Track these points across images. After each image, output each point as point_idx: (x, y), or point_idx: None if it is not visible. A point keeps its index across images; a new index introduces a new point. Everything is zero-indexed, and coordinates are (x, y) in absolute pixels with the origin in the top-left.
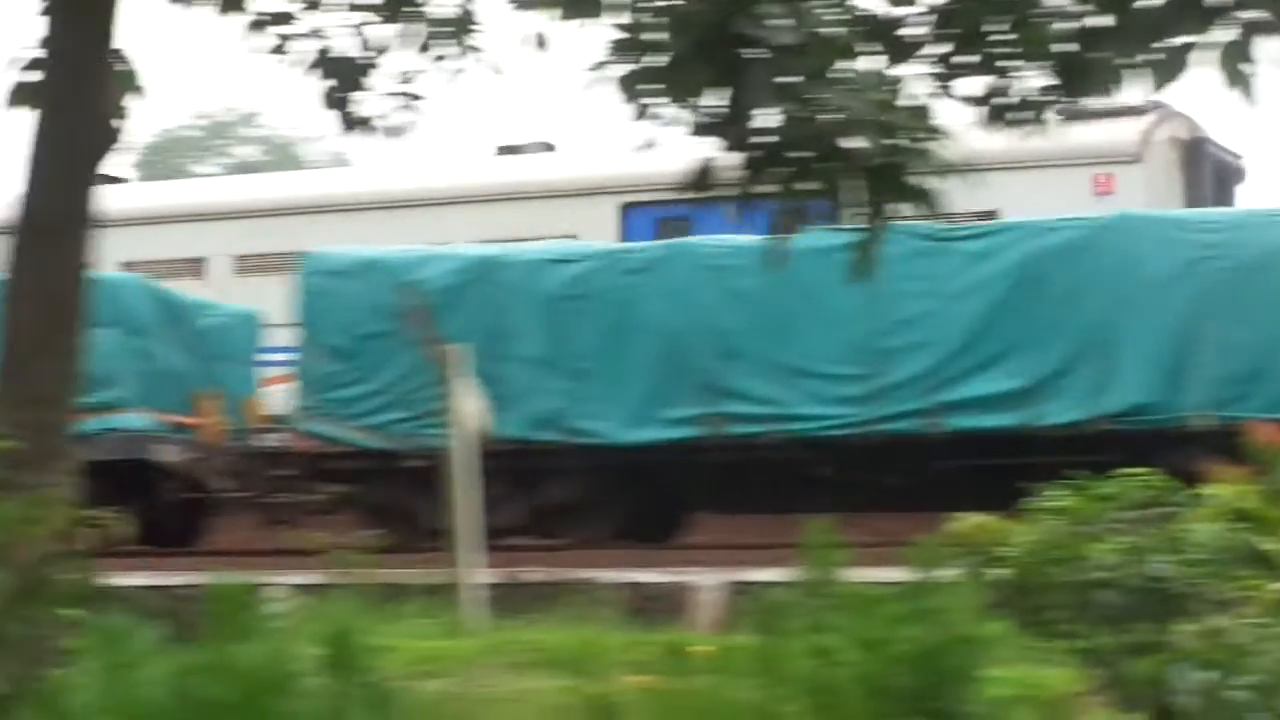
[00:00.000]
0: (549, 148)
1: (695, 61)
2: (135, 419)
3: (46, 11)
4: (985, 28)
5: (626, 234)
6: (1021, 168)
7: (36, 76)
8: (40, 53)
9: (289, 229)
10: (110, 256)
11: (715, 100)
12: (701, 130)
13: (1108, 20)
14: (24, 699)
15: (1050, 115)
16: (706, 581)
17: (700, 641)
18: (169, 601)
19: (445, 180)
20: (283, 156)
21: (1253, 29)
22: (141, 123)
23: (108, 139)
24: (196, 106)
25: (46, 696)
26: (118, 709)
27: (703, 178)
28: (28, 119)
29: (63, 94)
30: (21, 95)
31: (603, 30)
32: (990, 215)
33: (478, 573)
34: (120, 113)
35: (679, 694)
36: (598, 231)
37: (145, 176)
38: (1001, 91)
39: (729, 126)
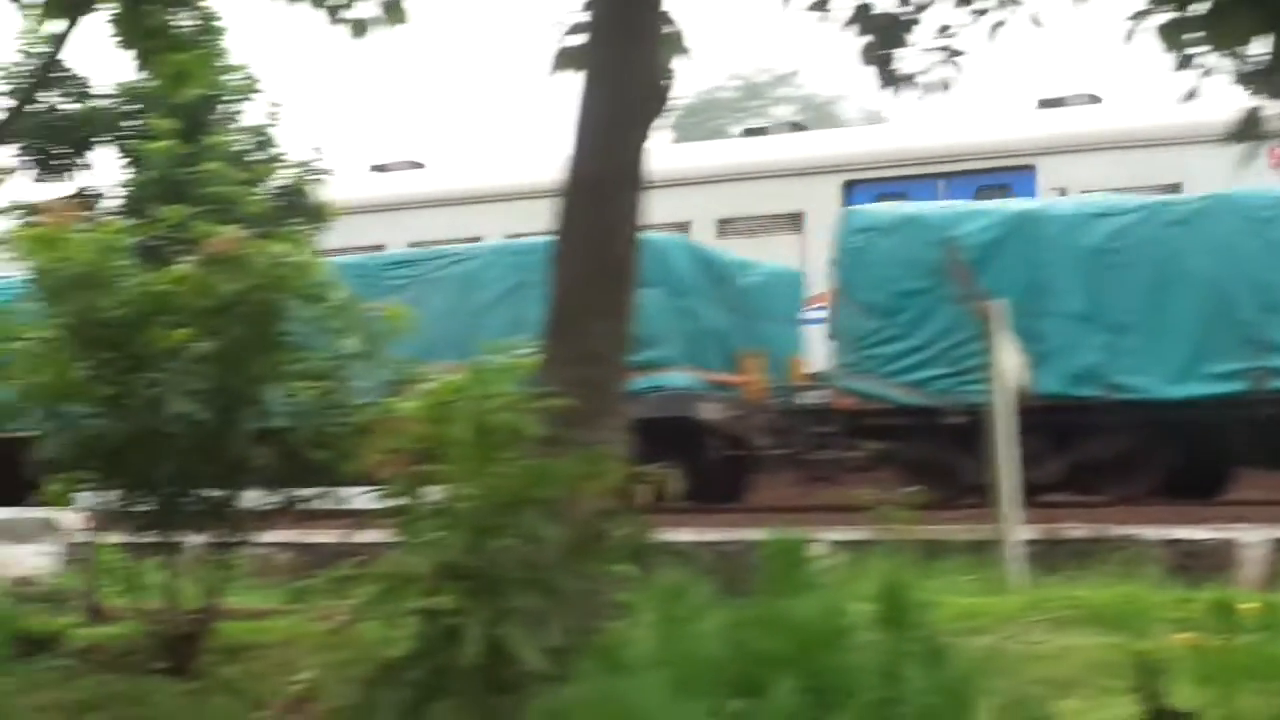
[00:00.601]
0: (799, 127)
1: (1240, 8)
2: (680, 377)
3: None
4: None
5: None
6: (1202, 141)
7: (581, 40)
8: (584, 17)
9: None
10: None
11: (1260, 48)
12: (1245, 79)
13: None
14: (581, 651)
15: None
16: (1252, 538)
17: (1246, 599)
18: (716, 556)
19: (687, 162)
20: (819, 115)
21: None
22: (682, 84)
23: (655, 100)
24: (733, 67)
25: (603, 649)
26: (673, 661)
27: (1250, 127)
28: (573, 83)
29: (609, 57)
30: (566, 60)
31: None
32: (1175, 188)
33: (1018, 529)
34: (666, 74)
35: (1225, 651)
36: (823, 208)
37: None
38: None
39: (1274, 74)
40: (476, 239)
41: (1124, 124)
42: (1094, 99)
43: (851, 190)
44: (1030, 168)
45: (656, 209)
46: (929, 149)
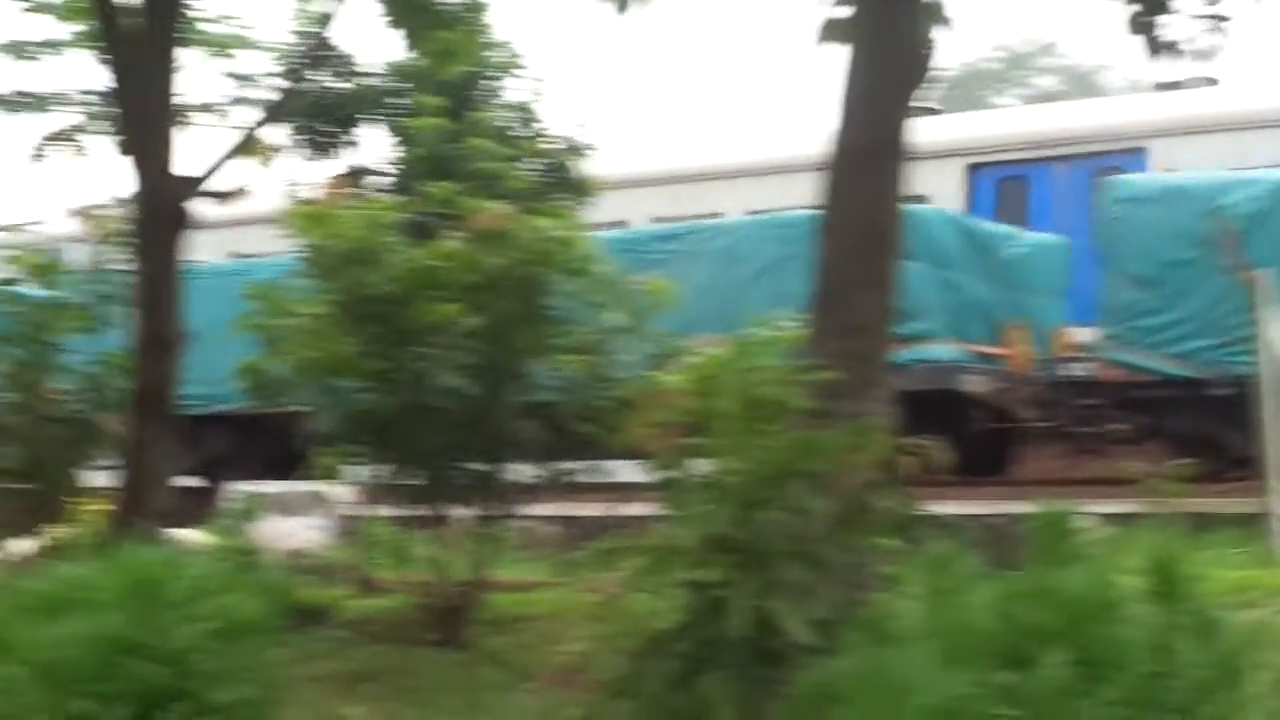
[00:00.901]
0: (931, 111)
1: None
2: (943, 350)
3: None
4: None
5: (972, 194)
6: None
7: (847, 12)
8: None
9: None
10: None
11: None
12: None
13: None
14: (848, 624)
15: None
16: None
17: None
18: (982, 529)
19: (796, 149)
20: (1081, 85)
21: None
22: (945, 55)
23: (919, 71)
24: (995, 38)
25: (869, 622)
26: (941, 633)
27: None
28: (839, 54)
29: (873, 28)
30: (832, 31)
31: None
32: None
33: None
34: (927, 45)
35: None
36: (946, 191)
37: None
38: None
39: None
40: (623, 223)
41: (1232, 107)
42: (1210, 82)
43: (974, 173)
44: (1142, 150)
45: (789, 193)
46: (1048, 132)
